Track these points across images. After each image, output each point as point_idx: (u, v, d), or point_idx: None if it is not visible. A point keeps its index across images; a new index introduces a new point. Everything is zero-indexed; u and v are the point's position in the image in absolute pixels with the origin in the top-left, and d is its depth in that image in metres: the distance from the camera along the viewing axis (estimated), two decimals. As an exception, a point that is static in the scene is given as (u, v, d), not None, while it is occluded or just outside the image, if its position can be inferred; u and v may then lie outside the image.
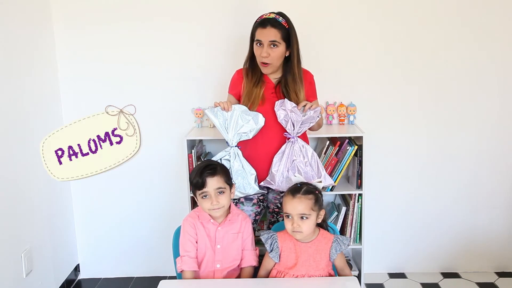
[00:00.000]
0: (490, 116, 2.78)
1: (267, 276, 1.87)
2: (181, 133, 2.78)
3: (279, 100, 2.11)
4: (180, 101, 2.79)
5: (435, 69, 2.73)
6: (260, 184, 2.17)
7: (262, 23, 2.10)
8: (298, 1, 2.66)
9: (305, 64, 2.22)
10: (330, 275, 1.84)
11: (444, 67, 2.72)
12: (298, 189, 1.83)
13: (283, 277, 1.82)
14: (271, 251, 1.84)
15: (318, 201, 1.81)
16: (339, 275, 1.89)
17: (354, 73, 2.74)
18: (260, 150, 2.16)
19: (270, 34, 2.07)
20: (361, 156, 2.52)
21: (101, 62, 2.75)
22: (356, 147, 2.51)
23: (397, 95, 2.77)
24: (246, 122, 2.06)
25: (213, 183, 1.85)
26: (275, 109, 2.10)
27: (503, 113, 2.78)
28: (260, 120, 2.08)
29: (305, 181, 1.90)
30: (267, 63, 2.11)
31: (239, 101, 2.22)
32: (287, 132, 2.10)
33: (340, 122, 2.77)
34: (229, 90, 2.29)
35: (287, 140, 2.11)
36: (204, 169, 1.87)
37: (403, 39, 2.70)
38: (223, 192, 1.88)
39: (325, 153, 2.55)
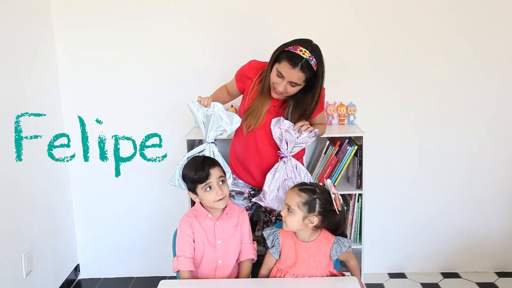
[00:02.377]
0: (490, 115, 2.78)
1: (268, 274, 1.88)
2: (181, 133, 2.78)
3: (276, 118, 2.05)
4: (180, 101, 2.78)
5: (435, 69, 2.73)
6: (252, 200, 2.19)
7: (293, 60, 1.89)
8: (297, 1, 2.66)
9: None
10: (332, 274, 1.84)
11: (444, 66, 2.72)
12: (300, 184, 1.88)
13: (284, 275, 1.83)
14: (272, 247, 1.85)
15: (309, 203, 1.77)
16: (347, 266, 1.93)
17: (354, 73, 2.74)
18: (255, 163, 2.14)
19: (294, 76, 1.90)
20: (361, 156, 2.52)
21: (101, 62, 2.75)
22: (356, 147, 2.51)
23: (397, 95, 2.77)
24: (222, 121, 2.04)
25: (216, 173, 1.88)
26: (271, 126, 2.05)
27: (502, 112, 2.78)
28: (235, 120, 2.05)
29: (331, 187, 1.85)
30: (280, 94, 2.01)
31: (241, 93, 2.18)
32: (280, 151, 2.07)
33: (340, 122, 2.77)
34: (236, 78, 2.19)
35: (279, 159, 2.08)
36: (204, 161, 1.90)
37: (402, 39, 2.70)
38: (224, 181, 1.90)
39: (325, 153, 2.55)
